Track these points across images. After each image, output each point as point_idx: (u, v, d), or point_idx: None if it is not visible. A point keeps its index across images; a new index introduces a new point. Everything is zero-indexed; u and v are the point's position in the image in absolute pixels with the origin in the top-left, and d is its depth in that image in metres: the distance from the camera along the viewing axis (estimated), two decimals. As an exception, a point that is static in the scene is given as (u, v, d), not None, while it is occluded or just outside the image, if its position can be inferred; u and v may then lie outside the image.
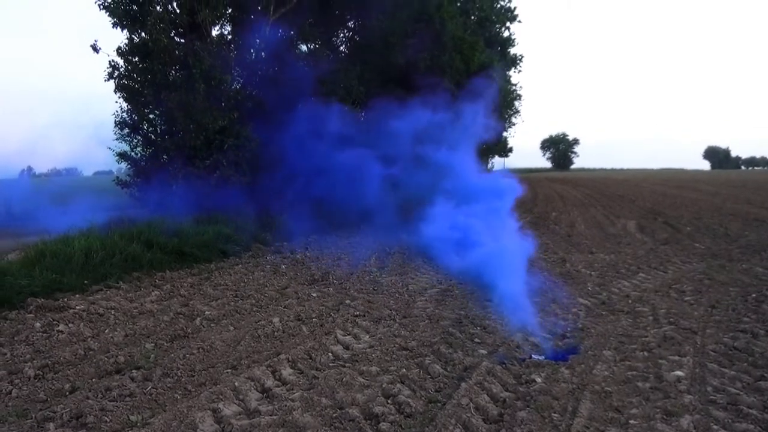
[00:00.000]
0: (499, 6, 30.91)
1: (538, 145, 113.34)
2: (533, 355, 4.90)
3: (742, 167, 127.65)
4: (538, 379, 4.28)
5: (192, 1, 12.16)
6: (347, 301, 6.74)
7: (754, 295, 6.81)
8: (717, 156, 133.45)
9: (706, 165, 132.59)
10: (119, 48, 12.39)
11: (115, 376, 4.31)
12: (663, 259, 9.39)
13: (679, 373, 4.35)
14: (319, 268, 8.71)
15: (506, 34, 32.57)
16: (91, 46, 12.10)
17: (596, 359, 4.73)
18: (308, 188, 14.30)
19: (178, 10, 12.51)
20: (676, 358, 4.70)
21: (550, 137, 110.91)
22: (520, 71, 36.52)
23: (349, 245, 11.06)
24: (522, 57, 35.26)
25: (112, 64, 12.33)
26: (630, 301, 6.74)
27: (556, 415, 3.71)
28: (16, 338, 5.03)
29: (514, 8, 31.96)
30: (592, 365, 4.59)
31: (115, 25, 12.16)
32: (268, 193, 13.17)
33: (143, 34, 12.16)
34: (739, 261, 9.03)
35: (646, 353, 4.87)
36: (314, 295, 7.06)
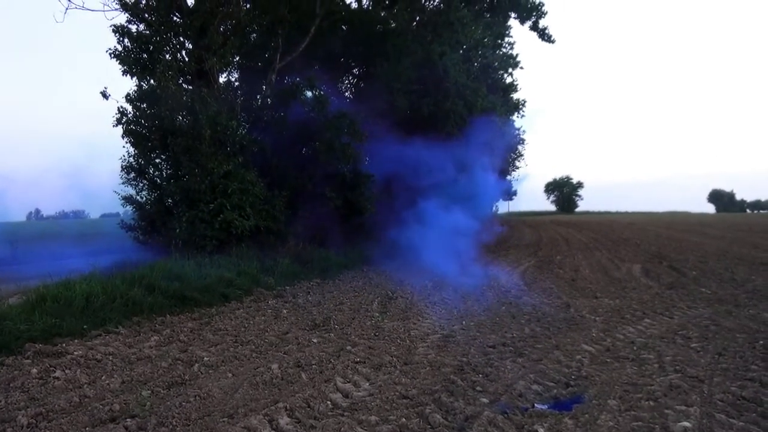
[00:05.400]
0: (501, 53, 31.66)
1: (542, 188, 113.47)
2: (536, 405, 4.79)
3: (747, 210, 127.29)
4: (541, 430, 4.17)
5: (200, 50, 12.54)
6: (348, 347, 6.64)
7: (761, 342, 6.67)
8: (722, 199, 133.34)
9: (711, 208, 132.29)
10: (128, 94, 12.72)
11: (109, 425, 4.23)
12: (668, 305, 9.27)
13: (686, 423, 4.23)
14: (321, 312, 8.65)
15: (509, 80, 33.22)
16: (101, 92, 12.48)
17: (601, 409, 4.61)
18: (313, 231, 14.43)
19: (186, 59, 12.89)
20: (683, 407, 4.59)
21: (554, 180, 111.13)
22: (523, 116, 36.94)
23: (351, 289, 11.00)
24: (525, 102, 35.73)
25: (121, 110, 12.62)
26: (635, 348, 6.62)
27: (559, 468, 3.60)
28: (11, 385, 4.98)
29: (516, 55, 32.76)
30: (596, 415, 4.47)
31: (125, 72, 12.51)
32: (271, 237, 13.24)
33: (152, 81, 12.50)
34: (746, 306, 8.90)
35: (651, 402, 4.75)
36: (315, 340, 6.98)
